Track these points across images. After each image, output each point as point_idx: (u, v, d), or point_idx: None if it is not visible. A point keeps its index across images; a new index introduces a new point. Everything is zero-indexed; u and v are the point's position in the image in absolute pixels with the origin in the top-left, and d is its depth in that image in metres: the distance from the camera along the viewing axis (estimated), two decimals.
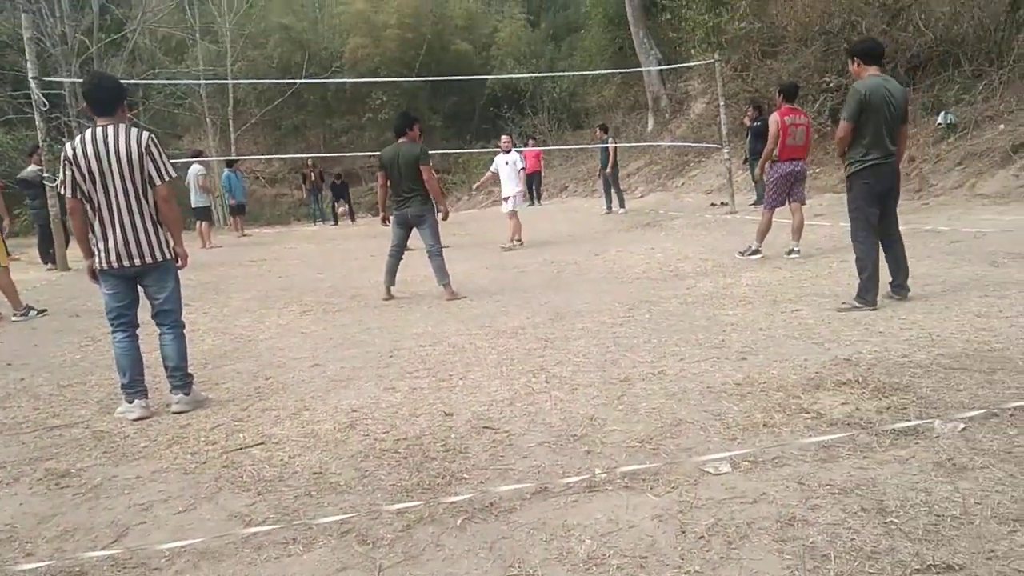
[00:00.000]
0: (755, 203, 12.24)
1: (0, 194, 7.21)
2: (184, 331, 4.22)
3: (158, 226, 3.97)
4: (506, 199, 10.70)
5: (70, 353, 5.64)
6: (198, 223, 14.29)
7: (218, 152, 23.33)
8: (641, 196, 17.45)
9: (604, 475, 2.81)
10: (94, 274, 4.02)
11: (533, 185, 18.65)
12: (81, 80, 19.08)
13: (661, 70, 20.34)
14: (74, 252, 11.14)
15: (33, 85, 10.40)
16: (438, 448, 3.24)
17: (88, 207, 3.89)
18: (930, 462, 2.69)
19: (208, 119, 24.53)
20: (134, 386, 4.01)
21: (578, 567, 2.22)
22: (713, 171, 16.23)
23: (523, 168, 11.16)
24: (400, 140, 6.98)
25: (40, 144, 10.58)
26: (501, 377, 4.23)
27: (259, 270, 10.12)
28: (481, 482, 2.87)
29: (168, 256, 4.04)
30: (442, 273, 7.00)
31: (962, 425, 2.96)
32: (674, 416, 3.38)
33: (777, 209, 7.80)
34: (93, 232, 3.94)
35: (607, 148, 14.31)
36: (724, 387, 3.73)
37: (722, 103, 12.93)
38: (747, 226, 10.16)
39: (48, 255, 11.03)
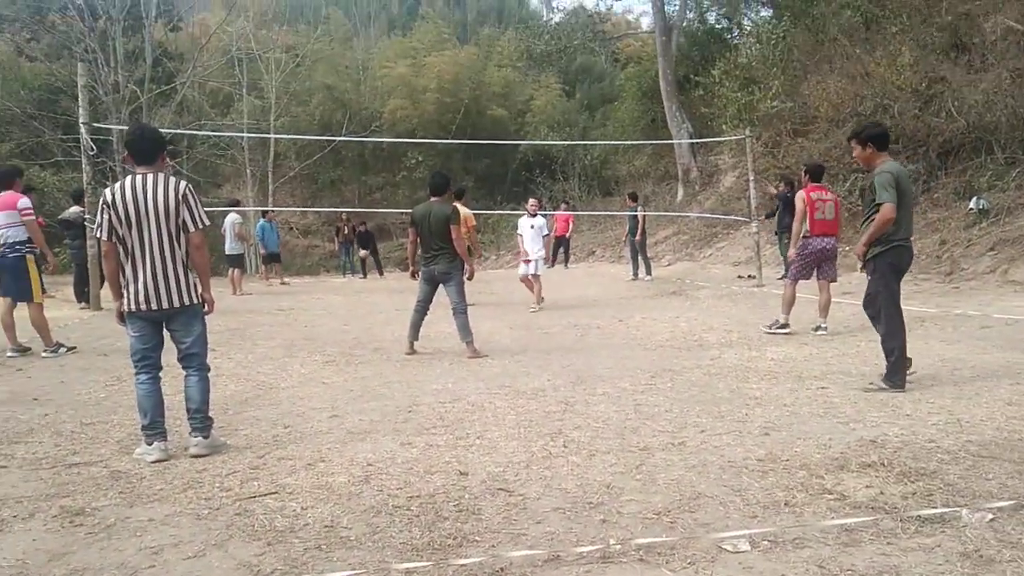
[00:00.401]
0: (782, 277, 12.20)
1: (42, 233, 7.42)
2: (209, 375, 4.27)
3: (188, 272, 4.08)
4: (527, 262, 10.76)
5: (95, 391, 5.71)
6: (231, 270, 14.54)
7: (256, 202, 23.91)
8: (668, 264, 17.47)
9: (619, 546, 2.75)
10: (122, 316, 4.11)
11: (562, 248, 18.79)
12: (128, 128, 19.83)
13: (692, 143, 20.63)
14: (107, 293, 11.38)
15: (83, 130, 10.82)
16: (451, 508, 3.20)
17: (122, 250, 4.00)
18: (956, 552, 2.61)
19: (248, 170, 25.24)
20: (154, 427, 4.05)
21: None
22: (741, 244, 16.24)
23: (548, 234, 11.25)
24: (433, 199, 7.12)
25: (85, 187, 10.94)
26: (519, 438, 4.20)
27: (285, 319, 10.23)
28: (493, 546, 2.82)
29: (196, 301, 4.12)
30: (466, 331, 7.03)
31: (990, 515, 2.87)
32: (693, 489, 3.32)
33: (803, 283, 7.77)
34: (124, 275, 4.04)
35: (636, 216, 14.43)
36: (745, 462, 3.66)
37: (752, 178, 13.04)
38: (774, 299, 10.10)
39: (83, 294, 11.26)
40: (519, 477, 3.56)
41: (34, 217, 7.25)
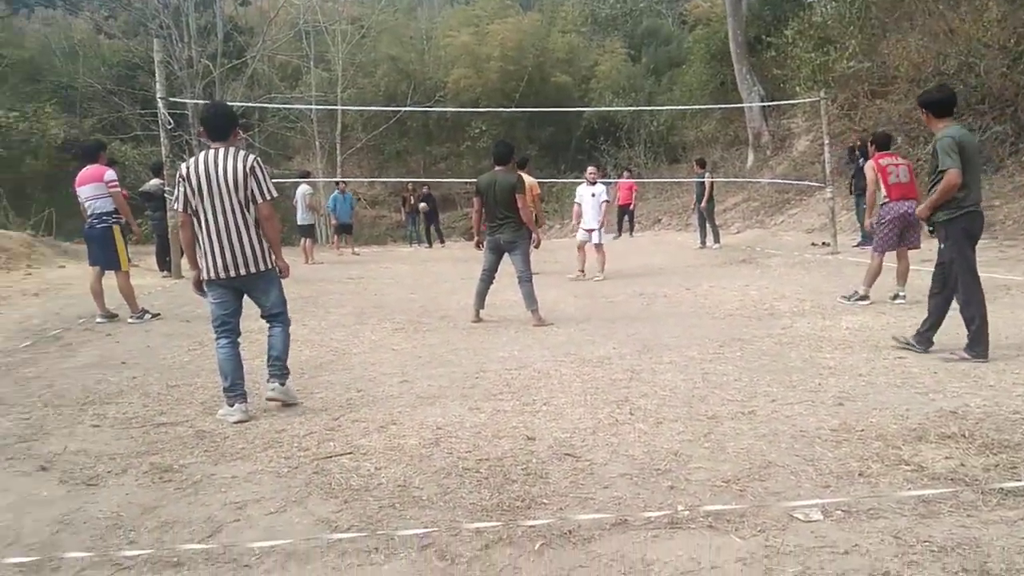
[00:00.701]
0: (859, 244, 11.79)
1: (127, 205, 7.73)
2: (290, 328, 4.50)
3: (261, 239, 4.23)
4: (589, 231, 10.66)
5: (179, 356, 5.98)
6: (303, 240, 14.91)
7: (325, 174, 24.38)
8: (737, 232, 17.08)
9: (687, 512, 2.76)
10: (200, 285, 4.30)
11: (626, 217, 18.57)
12: (203, 102, 20.39)
13: (763, 106, 19.99)
14: (187, 262, 11.85)
15: (160, 105, 11.20)
16: (519, 471, 3.25)
17: (196, 222, 4.18)
18: None
19: (317, 142, 25.70)
20: (235, 390, 4.22)
21: None
22: (815, 210, 15.74)
23: (607, 201, 11.08)
24: (498, 168, 7.13)
25: (163, 160, 11.35)
26: (585, 405, 4.22)
27: (356, 287, 10.46)
28: (560, 508, 2.86)
29: (270, 266, 4.31)
30: (531, 299, 7.06)
31: None
32: (763, 458, 3.28)
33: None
34: (200, 245, 4.21)
35: (703, 182, 14.13)
36: (818, 432, 3.59)
37: (827, 142, 12.57)
38: (849, 268, 9.79)
39: (164, 263, 11.75)
40: (586, 443, 3.58)
41: (119, 189, 7.58)
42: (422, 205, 19.34)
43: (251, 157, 4.20)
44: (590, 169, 11.16)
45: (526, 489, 3.06)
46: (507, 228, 7.08)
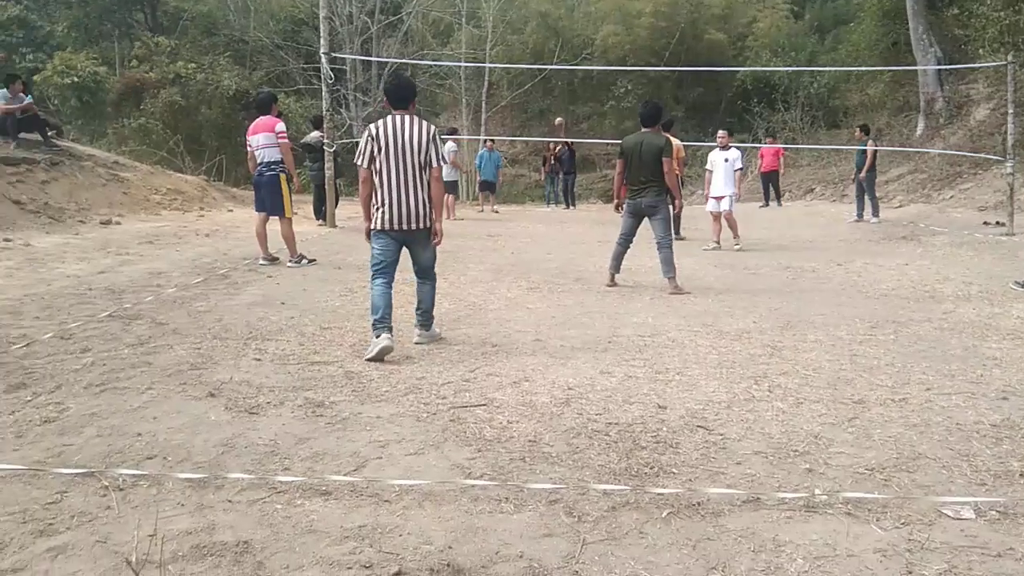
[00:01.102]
0: None
1: (290, 153, 8.23)
2: (436, 284, 4.97)
3: (429, 200, 4.70)
4: (718, 198, 10.22)
5: (331, 300, 6.37)
6: (446, 195, 15.32)
7: (469, 131, 24.78)
8: (899, 206, 15.85)
9: (825, 497, 2.66)
10: (369, 234, 4.80)
11: (770, 184, 17.70)
12: (362, 57, 21.08)
13: (940, 70, 18.25)
14: (342, 211, 12.51)
15: (323, 60, 11.75)
16: (648, 438, 3.25)
17: (376, 178, 4.64)
18: None
19: (464, 99, 26.12)
20: (383, 322, 4.63)
21: None
22: (991, 186, 14.32)
23: (740, 169, 10.52)
24: (644, 129, 6.99)
25: (324, 113, 11.96)
26: (720, 379, 4.13)
27: (494, 245, 10.67)
28: (690, 480, 2.85)
29: (430, 224, 4.75)
30: (669, 266, 6.94)
31: None
32: (913, 449, 3.10)
33: None
34: (376, 198, 4.67)
35: (865, 150, 13.17)
36: (977, 427, 3.34)
37: (1011, 111, 11.34)
38: None
39: (320, 212, 12.45)
40: (719, 417, 3.52)
41: (287, 140, 8.10)
42: (558, 149, 19.05)
43: (432, 126, 4.69)
44: (721, 133, 10.64)
45: (655, 457, 3.06)
46: (650, 192, 6.95)
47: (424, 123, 4.66)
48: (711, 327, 5.43)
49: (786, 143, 20.37)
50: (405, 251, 4.85)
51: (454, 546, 2.36)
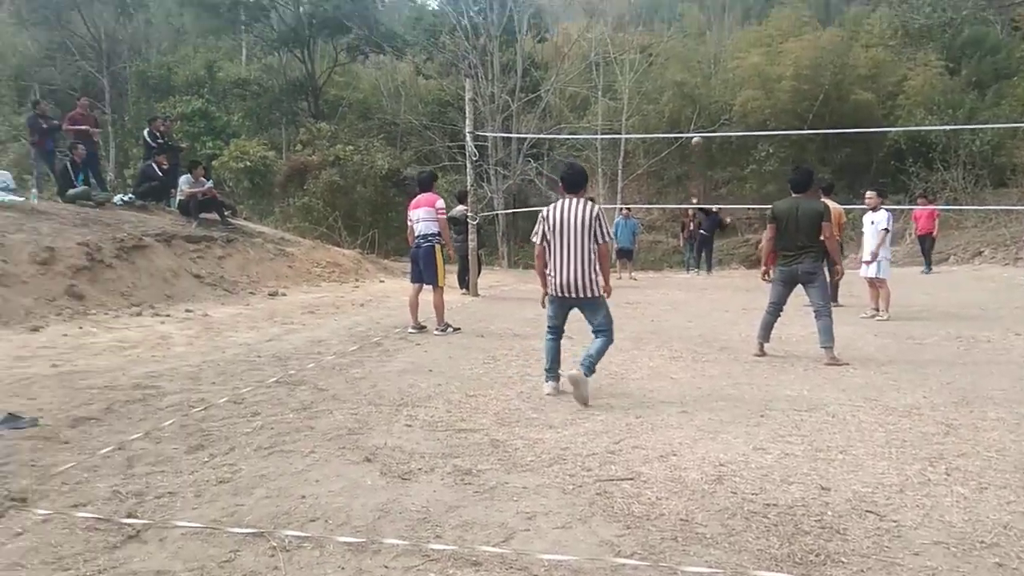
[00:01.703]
0: None
1: (447, 228, 8.71)
2: (611, 341, 5.39)
3: (595, 271, 5.23)
4: (867, 262, 9.61)
5: (475, 368, 6.52)
6: None
7: (606, 199, 25.02)
8: None
9: None
10: (544, 301, 5.53)
11: (926, 247, 16.56)
12: (502, 135, 21.93)
13: None
14: (483, 280, 12.89)
15: (468, 138, 12.38)
16: (812, 522, 3.05)
17: (548, 252, 5.31)
18: None
19: (600, 169, 26.51)
20: (552, 371, 5.46)
21: None
22: None
23: (886, 229, 9.86)
24: (796, 195, 6.80)
25: (468, 188, 12.51)
26: (889, 459, 3.83)
27: (633, 312, 10.57)
28: (861, 571, 2.63)
29: (600, 294, 5.32)
30: (827, 335, 6.59)
31: None
32: None
33: None
34: (548, 270, 5.34)
35: None
36: None
37: None
38: None
39: (464, 282, 12.91)
40: (891, 501, 3.25)
41: (445, 216, 8.60)
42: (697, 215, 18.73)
43: (596, 207, 5.25)
44: (868, 194, 10.03)
45: (821, 543, 2.86)
46: (807, 258, 6.70)
47: (590, 204, 5.23)
48: (875, 401, 5.07)
49: (947, 204, 19.07)
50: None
51: None
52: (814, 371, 6.24)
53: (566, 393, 5.27)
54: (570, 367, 5.27)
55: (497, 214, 22.65)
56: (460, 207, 12.81)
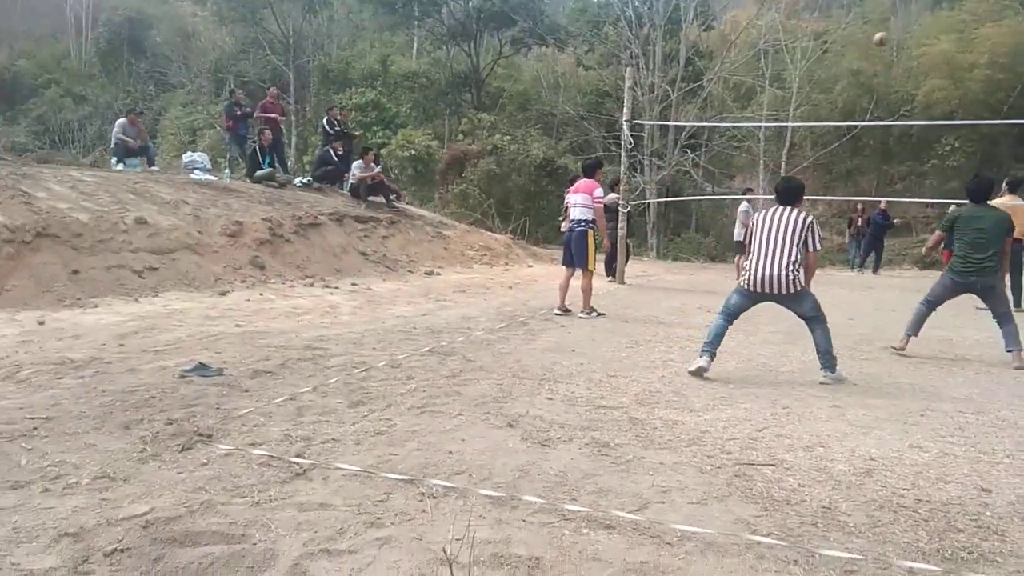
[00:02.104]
0: None
1: (603, 215, 8.88)
2: (827, 325, 5.53)
3: (795, 272, 5.39)
4: None
5: (618, 351, 6.57)
6: (737, 256, 14.99)
7: (767, 192, 23.99)
8: None
9: None
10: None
11: None
12: (659, 123, 21.59)
13: None
14: (631, 269, 12.84)
15: (625, 127, 12.35)
16: (967, 521, 2.89)
17: (750, 249, 5.59)
18: None
19: (762, 161, 25.44)
20: (710, 346, 5.57)
21: None
22: None
23: None
24: (973, 203, 6.38)
25: (621, 176, 12.49)
26: None
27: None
28: (1018, 571, 2.47)
29: (801, 287, 5.46)
30: (1012, 339, 6.16)
31: None
32: None
33: None
34: (748, 266, 5.56)
35: None
36: None
37: None
38: None
39: (611, 269, 12.93)
40: None
41: (602, 203, 8.79)
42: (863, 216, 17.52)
43: (810, 217, 5.48)
44: None
45: (975, 542, 2.71)
46: (987, 271, 6.30)
47: (803, 214, 5.46)
48: None
49: None
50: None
51: None
52: (986, 375, 5.78)
53: (711, 380, 5.25)
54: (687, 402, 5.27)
55: (648, 204, 22.37)
56: (612, 195, 12.82)
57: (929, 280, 7.37)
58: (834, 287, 13.77)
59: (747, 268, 5.56)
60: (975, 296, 6.55)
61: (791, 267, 5.37)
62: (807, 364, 6.18)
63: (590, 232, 8.57)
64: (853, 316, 9.28)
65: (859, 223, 18.86)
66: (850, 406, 4.74)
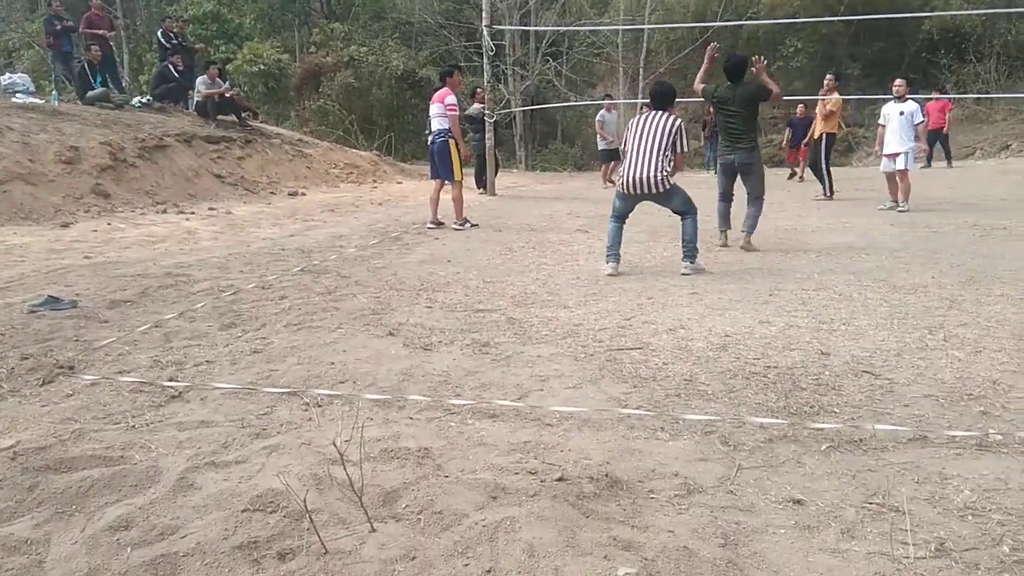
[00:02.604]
0: None
1: (458, 124, 8.74)
2: (696, 219, 5.88)
3: (665, 172, 5.72)
4: (892, 156, 9.42)
5: (493, 258, 6.68)
6: (602, 165, 15.37)
7: (626, 99, 24.48)
8: None
9: (999, 437, 2.56)
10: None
11: (938, 142, 16.21)
12: (520, 28, 21.27)
13: None
14: (500, 181, 12.89)
15: (485, 32, 12.13)
16: (809, 381, 3.23)
17: (624, 154, 5.89)
18: None
19: (621, 67, 25.83)
20: (612, 251, 5.89)
21: (950, 512, 2.12)
22: None
23: (922, 122, 9.64)
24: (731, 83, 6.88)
25: (485, 84, 12.35)
26: (890, 329, 3.98)
27: (649, 208, 10.57)
28: (852, 419, 2.82)
29: (671, 185, 5.81)
30: (750, 221, 6.87)
31: None
32: None
33: None
34: (621, 170, 5.89)
35: None
36: None
37: None
38: None
39: (481, 182, 12.94)
40: (887, 363, 3.42)
41: (457, 112, 8.59)
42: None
43: (679, 121, 5.79)
44: (898, 82, 9.69)
45: (816, 398, 3.05)
46: (740, 150, 6.83)
47: (673, 118, 5.76)
48: (884, 282, 5.19)
49: (979, 96, 18.52)
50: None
51: (612, 462, 2.51)
52: (826, 257, 6.34)
53: (581, 280, 5.46)
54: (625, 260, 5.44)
55: (514, 115, 22.33)
56: (476, 105, 12.70)
57: (780, 177, 7.87)
58: (690, 188, 14.42)
59: (621, 173, 5.89)
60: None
61: (661, 169, 5.70)
62: (668, 259, 6.55)
63: (451, 142, 8.47)
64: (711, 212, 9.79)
65: (713, 126, 19.70)
66: (707, 292, 5.09)
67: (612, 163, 15.47)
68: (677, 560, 1.91)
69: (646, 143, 5.73)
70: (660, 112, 5.81)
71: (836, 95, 11.33)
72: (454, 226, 8.51)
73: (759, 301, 4.76)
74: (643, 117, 5.86)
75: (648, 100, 6.02)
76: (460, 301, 5.00)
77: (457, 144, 8.53)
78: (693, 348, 3.77)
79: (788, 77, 24.14)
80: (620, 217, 6.03)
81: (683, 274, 5.70)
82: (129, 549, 2.01)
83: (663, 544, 1.99)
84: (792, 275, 5.57)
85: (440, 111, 8.42)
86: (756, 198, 6.91)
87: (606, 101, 16.24)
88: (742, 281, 5.41)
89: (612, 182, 14.66)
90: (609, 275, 5.72)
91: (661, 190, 5.78)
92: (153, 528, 2.10)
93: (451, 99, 8.48)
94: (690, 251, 5.83)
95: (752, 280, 5.44)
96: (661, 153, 5.71)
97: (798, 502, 2.23)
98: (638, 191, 5.80)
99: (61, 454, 2.57)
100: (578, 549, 1.97)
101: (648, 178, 5.71)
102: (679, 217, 5.97)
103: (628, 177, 5.81)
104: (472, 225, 8.62)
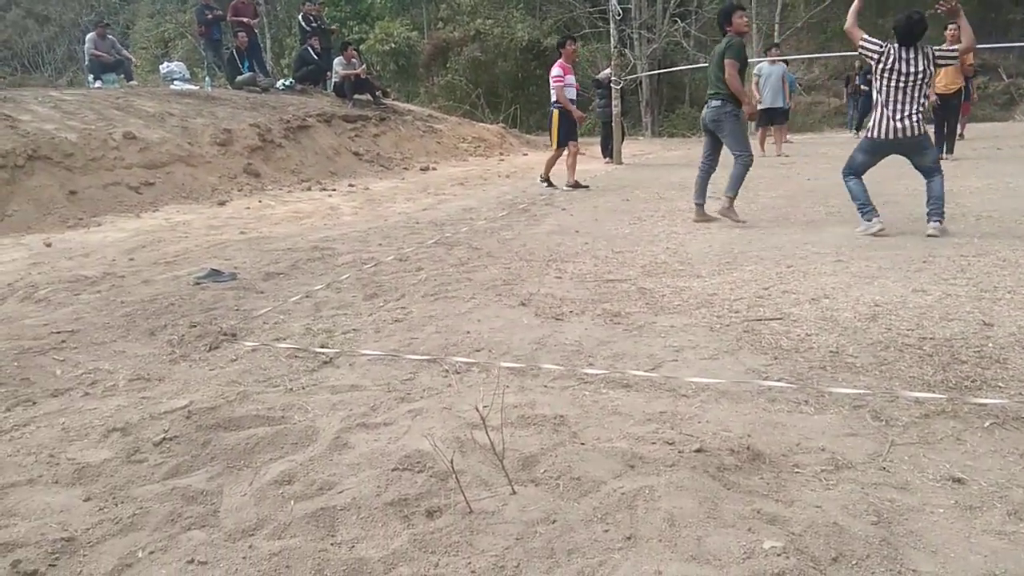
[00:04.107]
0: None
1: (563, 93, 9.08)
2: (942, 176, 5.57)
3: (920, 116, 5.44)
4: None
5: (622, 228, 6.62)
6: (759, 128, 14.74)
7: (758, 56, 23.33)
8: None
9: None
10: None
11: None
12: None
13: None
14: (627, 149, 12.70)
15: None
16: (970, 353, 3.01)
17: (877, 95, 5.54)
18: None
19: (755, 24, 24.56)
20: (866, 207, 5.66)
21: None
22: None
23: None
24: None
25: (612, 51, 12.14)
26: None
27: (787, 172, 10.13)
28: (1020, 394, 2.61)
29: (924, 132, 5.51)
30: (735, 183, 6.51)
31: None
32: None
33: None
34: (874, 114, 5.58)
35: None
36: None
37: None
38: None
39: (607, 150, 12.78)
40: None
41: (562, 84, 9.07)
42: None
43: (933, 49, 5.38)
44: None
45: (978, 371, 2.84)
46: (713, 107, 6.62)
47: (928, 50, 5.34)
48: None
49: None
50: None
51: (753, 435, 2.46)
52: (987, 221, 5.84)
53: (714, 249, 5.31)
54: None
55: (640, 80, 21.81)
56: (607, 70, 12.51)
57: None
58: (834, 147, 13.64)
59: (874, 119, 5.56)
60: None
61: (915, 114, 5.40)
62: (811, 222, 6.24)
63: (555, 112, 9.14)
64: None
65: (856, 82, 18.44)
66: (853, 259, 4.82)
67: (771, 127, 13.52)
68: (827, 536, 1.86)
69: (905, 82, 5.35)
70: (912, 48, 5.36)
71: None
72: (564, 188, 8.90)
73: (912, 269, 4.46)
74: (895, 49, 5.40)
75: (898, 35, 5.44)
76: (590, 271, 5.00)
77: (563, 114, 9.13)
78: (839, 319, 3.60)
79: (939, 25, 22.16)
80: (860, 173, 5.77)
81: (929, 235, 5.38)
82: (292, 502, 2.18)
83: (811, 519, 1.93)
84: (949, 240, 5.18)
85: (552, 83, 9.16)
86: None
87: (773, 51, 14.26)
88: (892, 248, 5.08)
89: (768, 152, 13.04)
90: (880, 231, 5.51)
91: (912, 135, 5.43)
92: (313, 483, 2.27)
93: (555, 71, 9.10)
94: (938, 210, 5.47)
95: (903, 246, 5.10)
96: (921, 95, 5.40)
97: (959, 481, 2.10)
98: (895, 136, 5.45)
99: (229, 414, 2.81)
100: (720, 520, 1.95)
101: (904, 125, 5.40)
102: (922, 175, 5.62)
103: (882, 126, 5.49)
104: (549, 185, 9.43)
